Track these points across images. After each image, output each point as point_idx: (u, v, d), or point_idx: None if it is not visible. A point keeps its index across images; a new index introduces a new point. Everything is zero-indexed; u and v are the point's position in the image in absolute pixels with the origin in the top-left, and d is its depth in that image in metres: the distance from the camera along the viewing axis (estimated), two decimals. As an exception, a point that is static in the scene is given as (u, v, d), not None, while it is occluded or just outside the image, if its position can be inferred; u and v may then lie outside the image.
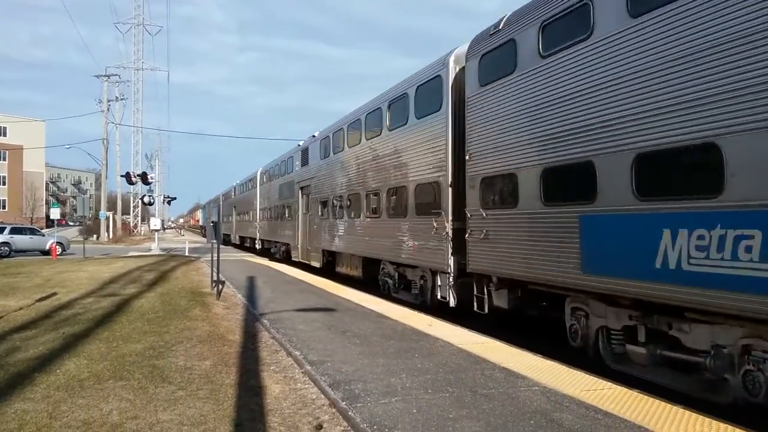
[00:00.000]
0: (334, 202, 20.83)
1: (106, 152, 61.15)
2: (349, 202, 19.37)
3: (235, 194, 51.96)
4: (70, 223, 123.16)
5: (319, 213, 22.88)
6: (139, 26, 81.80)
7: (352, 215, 18.94)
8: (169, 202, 48.94)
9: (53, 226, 39.83)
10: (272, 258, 32.51)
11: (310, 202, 24.82)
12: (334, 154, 21.34)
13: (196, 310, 12.80)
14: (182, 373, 7.60)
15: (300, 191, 26.57)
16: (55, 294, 15.81)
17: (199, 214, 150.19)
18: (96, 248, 45.88)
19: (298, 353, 8.65)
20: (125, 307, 13.28)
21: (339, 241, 20.40)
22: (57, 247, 35.88)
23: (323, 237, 22.36)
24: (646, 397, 6.51)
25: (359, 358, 8.32)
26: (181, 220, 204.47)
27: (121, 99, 65.99)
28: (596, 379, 7.27)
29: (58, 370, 7.75)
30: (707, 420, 5.69)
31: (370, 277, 17.96)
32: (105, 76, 62.61)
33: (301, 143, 27.30)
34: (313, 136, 24.63)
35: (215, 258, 15.55)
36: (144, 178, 37.09)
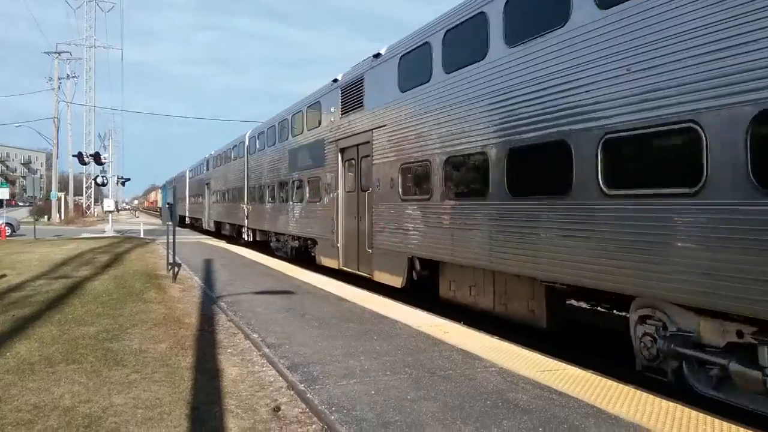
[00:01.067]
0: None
1: (57, 131, 59.53)
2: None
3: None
4: (20, 204, 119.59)
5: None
6: (92, 2, 79.44)
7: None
8: (123, 183, 47.98)
9: (2, 207, 38.62)
10: (229, 240, 32.15)
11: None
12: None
13: (152, 293, 12.59)
14: (137, 356, 7.48)
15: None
16: (4, 276, 15.36)
17: (155, 196, 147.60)
18: (47, 229, 44.67)
19: (256, 336, 8.59)
20: (78, 290, 12.98)
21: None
22: (6, 227, 34.82)
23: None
24: (599, 377, 6.65)
25: (318, 340, 8.31)
26: (136, 202, 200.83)
27: (73, 77, 64.22)
28: (551, 360, 7.40)
29: (7, 353, 7.54)
30: (657, 399, 5.85)
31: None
32: (56, 53, 60.78)
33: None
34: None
35: (171, 240, 15.31)
36: (97, 158, 36.22)
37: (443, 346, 7.97)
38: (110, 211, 40.18)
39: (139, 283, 14.05)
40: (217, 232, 37.07)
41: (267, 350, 7.79)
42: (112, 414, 5.45)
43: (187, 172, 53.10)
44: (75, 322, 9.54)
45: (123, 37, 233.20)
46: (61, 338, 8.45)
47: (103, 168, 38.88)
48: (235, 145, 31.84)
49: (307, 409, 5.69)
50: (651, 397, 5.92)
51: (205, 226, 41.08)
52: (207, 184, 40.18)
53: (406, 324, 9.47)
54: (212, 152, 39.10)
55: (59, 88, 59.90)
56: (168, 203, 16.26)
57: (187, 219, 53.31)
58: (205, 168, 42.14)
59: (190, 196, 51.81)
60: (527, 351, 7.86)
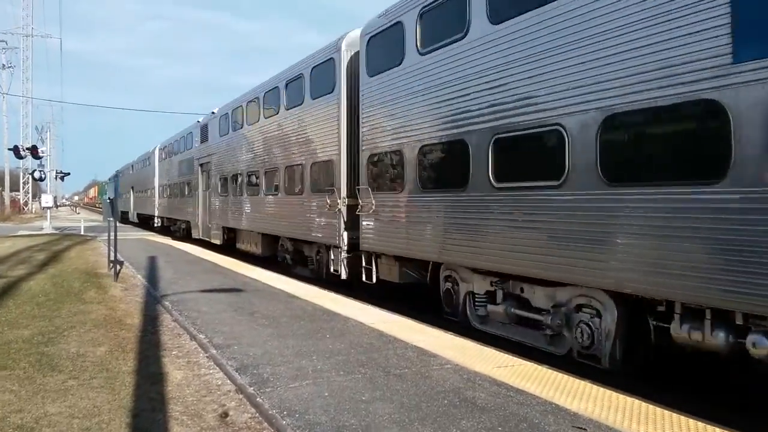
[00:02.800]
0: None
1: (-8, 124, 56.93)
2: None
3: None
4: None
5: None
6: (28, -12, 76.21)
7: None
8: (62, 178, 46.25)
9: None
10: (174, 237, 31.33)
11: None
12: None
13: (92, 293, 12.04)
14: (74, 360, 7.05)
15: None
16: (-69, 277, 14.51)
17: (94, 192, 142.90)
18: (-19, 227, 42.80)
19: (202, 336, 8.25)
20: (12, 290, 12.32)
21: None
22: (-65, 226, 33.14)
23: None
24: (555, 372, 6.58)
25: (268, 340, 8.02)
26: (76, 198, 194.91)
27: (9, 67, 61.51)
28: (507, 355, 7.31)
29: (-70, 361, 7.02)
30: (613, 393, 5.79)
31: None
32: (-10, 42, 58.05)
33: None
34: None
35: (112, 237, 14.72)
36: (34, 151, 34.74)
37: (397, 344, 7.78)
38: (48, 207, 38.59)
39: (78, 282, 13.44)
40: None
41: (214, 351, 7.47)
42: (45, 425, 5.07)
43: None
44: (8, 325, 8.99)
45: (62, 26, 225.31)
46: (-9, 343, 7.93)
47: (40, 162, 37.30)
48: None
49: (257, 414, 5.42)
50: (609, 392, 5.86)
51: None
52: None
53: (358, 321, 9.25)
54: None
55: (-7, 79, 57.29)
56: (109, 198, 15.59)
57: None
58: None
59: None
60: (482, 346, 7.75)
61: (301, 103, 15.41)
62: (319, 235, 14.34)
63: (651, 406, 5.43)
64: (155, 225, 38.06)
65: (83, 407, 5.49)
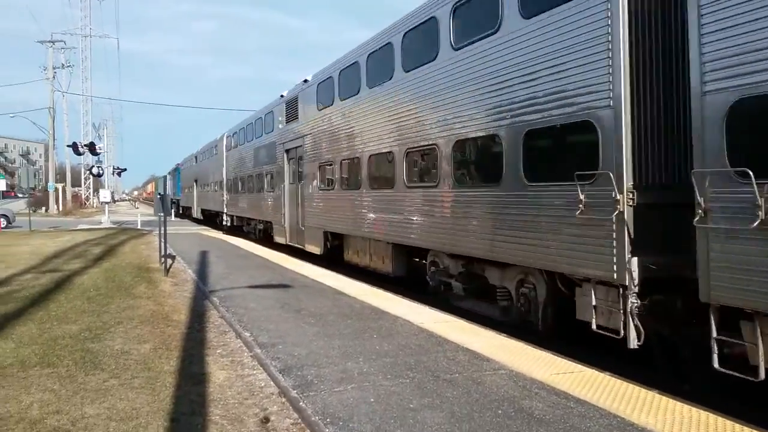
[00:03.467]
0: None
1: (53, 121, 58.77)
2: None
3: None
4: (19, 195, 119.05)
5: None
6: (86, -11, 78.42)
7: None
8: (119, 174, 47.35)
9: (0, 198, 38.07)
10: (227, 231, 31.56)
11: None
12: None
13: (141, 287, 12.05)
14: (117, 358, 6.93)
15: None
16: (-9, 270, 14.83)
17: (153, 186, 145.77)
18: (44, 221, 44.11)
19: (247, 334, 8.05)
20: (65, 284, 12.44)
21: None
22: (1, 219, 34.30)
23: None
24: (619, 381, 6.10)
25: (314, 339, 7.76)
26: (135, 193, 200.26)
27: (68, 66, 63.33)
28: (566, 361, 6.85)
29: (-22, 356, 7.00)
30: (685, 406, 5.30)
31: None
32: (50, 41, 59.89)
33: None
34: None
35: (163, 231, 14.76)
36: (92, 148, 35.57)
37: (448, 346, 7.42)
38: (106, 202, 39.57)
39: (129, 276, 13.51)
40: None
41: (258, 351, 7.25)
42: (82, 428, 4.91)
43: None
44: (57, 320, 9.00)
45: (119, 27, 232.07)
46: (40, 338, 7.91)
47: (98, 158, 38.24)
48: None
49: (300, 420, 5.15)
50: (678, 404, 5.36)
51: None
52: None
53: (407, 320, 8.92)
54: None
55: (54, 77, 59.11)
56: (159, 193, 15.69)
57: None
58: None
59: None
60: (539, 350, 7.31)
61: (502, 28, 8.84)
62: (550, 256, 7.87)
63: (728, 422, 4.93)
64: (223, 223, 32.97)
65: (121, 409, 5.31)
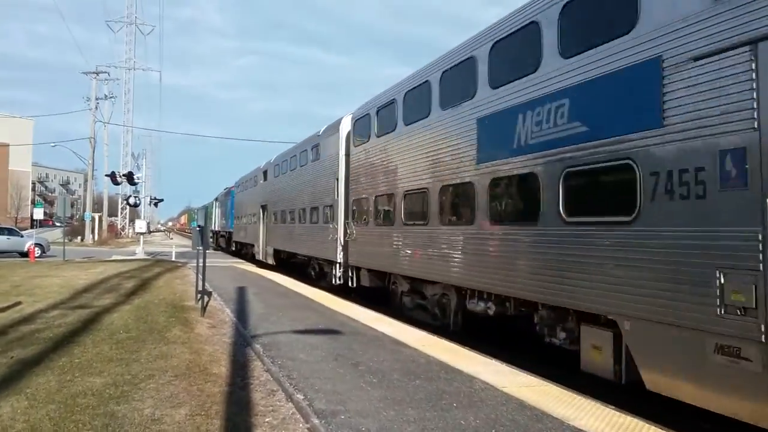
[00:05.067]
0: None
1: (93, 151, 58.95)
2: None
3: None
4: (57, 224, 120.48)
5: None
6: (131, 25, 79.87)
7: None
8: (156, 204, 47.00)
9: (37, 227, 37.70)
10: (259, 265, 30.46)
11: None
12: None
13: (176, 330, 10.85)
14: (146, 429, 5.67)
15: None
16: (18, 304, 13.83)
17: (186, 218, 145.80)
18: (79, 250, 43.69)
19: (300, 397, 6.74)
20: (93, 324, 11.31)
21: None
22: (36, 249, 33.75)
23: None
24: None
25: (381, 407, 6.41)
26: (170, 224, 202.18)
27: (110, 98, 63.80)
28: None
29: (-18, 419, 5.82)
30: None
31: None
32: (94, 73, 60.44)
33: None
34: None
35: (201, 266, 13.62)
36: (130, 178, 35.08)
37: (549, 422, 6.01)
38: (142, 233, 38.96)
39: (163, 316, 12.34)
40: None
41: (316, 421, 5.93)
42: None
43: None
44: (80, 370, 7.81)
45: (162, 60, 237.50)
46: (58, 394, 6.72)
47: (136, 188, 37.77)
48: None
49: None
50: None
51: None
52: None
53: (486, 383, 7.52)
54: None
55: (96, 108, 59.48)
56: (198, 225, 14.56)
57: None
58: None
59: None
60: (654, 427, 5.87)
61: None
62: None
63: None
64: (335, 281, 18.44)
65: None
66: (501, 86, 9.84)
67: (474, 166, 10.54)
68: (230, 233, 45.04)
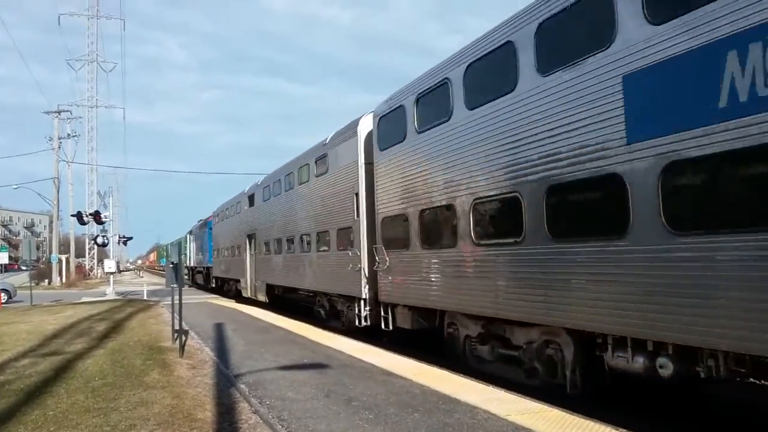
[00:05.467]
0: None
1: (58, 192, 57.75)
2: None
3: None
4: (23, 268, 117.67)
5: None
6: (93, 63, 79.04)
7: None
8: (125, 242, 45.99)
9: (2, 272, 36.53)
10: (235, 299, 29.77)
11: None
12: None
13: (155, 373, 10.33)
14: (133, 487, 5.22)
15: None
16: (-16, 354, 13.14)
17: (155, 255, 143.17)
18: (47, 294, 42.44)
19: (294, 440, 6.33)
20: (67, 372, 10.73)
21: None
22: (1, 294, 32.62)
23: None
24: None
25: (382, 446, 6.04)
26: (139, 261, 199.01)
27: (74, 136, 62.70)
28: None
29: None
30: None
31: None
32: (56, 112, 59.37)
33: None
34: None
35: (177, 304, 13.10)
36: (97, 217, 34.26)
37: (561, 451, 5.70)
38: (111, 273, 37.99)
39: (139, 359, 11.79)
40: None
41: (316, 467, 5.53)
42: None
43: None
44: (55, 423, 7.30)
45: (125, 97, 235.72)
46: (32, 453, 6.22)
47: (103, 227, 36.89)
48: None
49: None
50: None
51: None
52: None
53: (489, 412, 7.19)
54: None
55: (59, 147, 58.33)
56: (171, 262, 14.06)
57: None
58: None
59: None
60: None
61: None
62: None
63: None
64: (360, 322, 14.81)
65: None
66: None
67: (625, 148, 7.05)
68: (209, 269, 40.74)
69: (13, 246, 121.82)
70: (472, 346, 10.78)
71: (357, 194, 15.00)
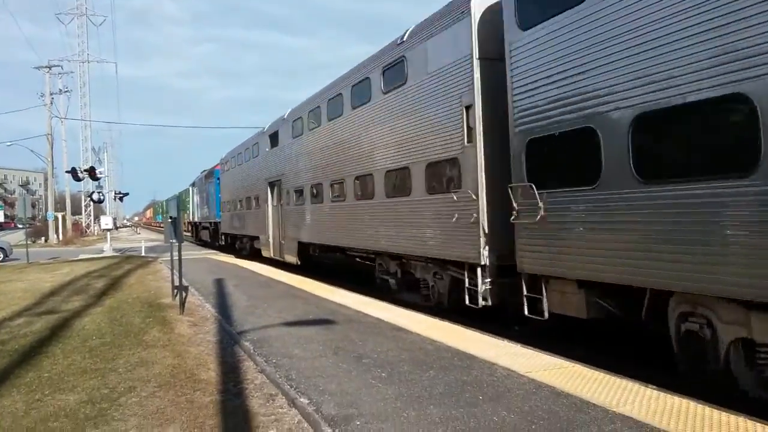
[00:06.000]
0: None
1: (52, 148, 56.79)
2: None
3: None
4: (20, 226, 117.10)
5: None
6: (82, 17, 76.94)
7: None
8: (121, 199, 45.41)
9: (-2, 230, 36.09)
10: (238, 254, 29.41)
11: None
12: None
13: (155, 331, 9.96)
14: (133, 456, 4.85)
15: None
16: (-21, 314, 12.76)
17: (152, 212, 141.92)
18: (44, 252, 42.06)
19: (304, 401, 5.95)
20: (63, 331, 10.36)
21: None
22: (-2, 253, 32.26)
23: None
24: None
25: (399, 407, 5.64)
26: (136, 218, 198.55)
27: (65, 92, 61.50)
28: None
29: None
30: None
31: None
32: (46, 67, 57.96)
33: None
34: None
35: (177, 260, 12.67)
36: (92, 173, 33.59)
37: (593, 412, 5.30)
38: (108, 229, 37.51)
39: (138, 317, 11.41)
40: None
41: (329, 431, 5.15)
42: None
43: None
44: (51, 386, 6.93)
45: (116, 51, 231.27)
46: (26, 418, 5.85)
47: (98, 184, 36.25)
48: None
49: None
50: None
51: None
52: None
53: (507, 368, 6.81)
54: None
55: (52, 103, 57.17)
56: (170, 217, 13.55)
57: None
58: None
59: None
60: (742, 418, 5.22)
61: None
62: None
63: None
64: (479, 299, 9.88)
65: None
66: None
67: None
68: (216, 224, 35.95)
69: (8, 204, 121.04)
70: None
71: (468, 108, 10.06)
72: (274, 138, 22.93)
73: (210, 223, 39.02)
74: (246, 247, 28.20)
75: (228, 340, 9.28)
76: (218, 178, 34.77)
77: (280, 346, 8.45)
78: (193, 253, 32.14)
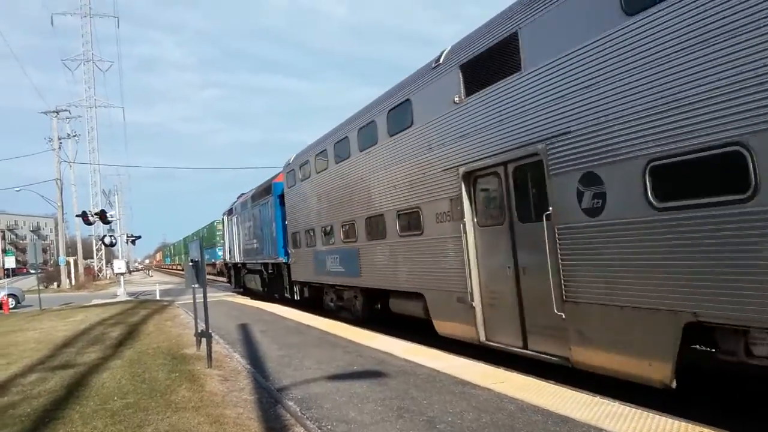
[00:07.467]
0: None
1: (61, 193, 56.28)
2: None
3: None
4: (31, 272, 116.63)
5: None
6: (89, 62, 77.44)
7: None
8: (133, 242, 44.49)
9: (10, 276, 35.26)
10: (254, 297, 28.26)
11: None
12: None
13: (183, 390, 8.80)
14: None
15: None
16: (-12, 369, 11.68)
17: (161, 255, 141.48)
18: (56, 297, 41.10)
19: (383, 485, 4.80)
20: (81, 389, 9.24)
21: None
22: (9, 299, 31.26)
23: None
24: None
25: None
26: (147, 261, 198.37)
27: (74, 136, 61.30)
28: None
29: None
30: None
31: None
32: (54, 112, 57.77)
33: None
34: None
35: (199, 305, 11.57)
36: (102, 216, 32.77)
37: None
38: (121, 273, 36.57)
39: (162, 371, 10.28)
40: None
41: None
42: None
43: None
44: (69, 465, 5.80)
45: (123, 96, 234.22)
46: None
47: (110, 227, 35.42)
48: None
49: None
50: None
51: None
52: None
53: (619, 434, 5.64)
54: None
55: (60, 147, 56.79)
56: (192, 260, 12.46)
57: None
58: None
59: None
60: None
61: None
62: None
63: None
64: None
65: None
66: None
67: None
68: (278, 266, 24.08)
69: (20, 250, 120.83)
70: None
71: None
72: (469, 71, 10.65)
73: (263, 264, 26.54)
74: (350, 307, 16.89)
75: (267, 399, 8.12)
76: (280, 196, 22.95)
77: (331, 407, 7.30)
78: (209, 295, 30.99)
